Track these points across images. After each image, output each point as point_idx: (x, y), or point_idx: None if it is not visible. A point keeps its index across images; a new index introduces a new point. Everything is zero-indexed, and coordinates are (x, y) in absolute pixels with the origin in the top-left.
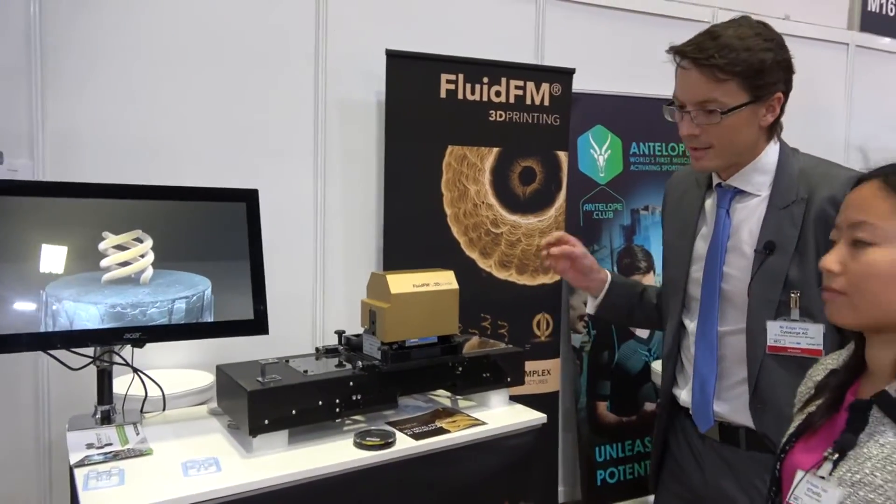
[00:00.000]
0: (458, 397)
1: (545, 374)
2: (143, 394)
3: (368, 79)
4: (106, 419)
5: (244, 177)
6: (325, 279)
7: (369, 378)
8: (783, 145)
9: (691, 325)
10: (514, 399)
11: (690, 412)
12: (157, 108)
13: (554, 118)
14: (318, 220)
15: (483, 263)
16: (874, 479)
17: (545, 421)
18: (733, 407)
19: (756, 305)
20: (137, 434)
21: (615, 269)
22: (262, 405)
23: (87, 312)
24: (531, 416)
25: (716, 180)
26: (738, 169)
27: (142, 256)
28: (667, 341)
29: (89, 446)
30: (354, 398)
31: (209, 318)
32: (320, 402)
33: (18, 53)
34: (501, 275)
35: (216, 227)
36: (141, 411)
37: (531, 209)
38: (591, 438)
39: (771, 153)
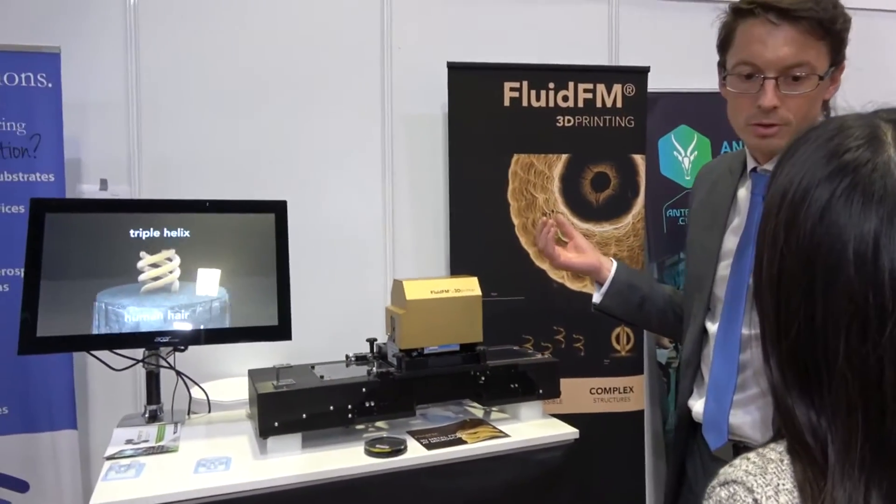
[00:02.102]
0: (491, 409)
1: (627, 392)
2: (188, 396)
3: (433, 92)
4: (153, 418)
5: (316, 191)
6: None
7: (383, 385)
8: None
9: (714, 328)
10: (593, 416)
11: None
12: (238, 131)
13: (628, 120)
14: (387, 234)
15: (555, 274)
16: None
17: (577, 436)
18: (752, 420)
19: None
20: (175, 433)
21: None
22: (273, 408)
23: (150, 315)
24: (561, 431)
25: (751, 164)
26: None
27: (170, 272)
28: (686, 348)
29: (128, 441)
30: (367, 405)
31: (228, 324)
32: (332, 407)
33: (117, 89)
34: (575, 286)
35: (255, 237)
36: (188, 413)
37: (605, 216)
38: None
39: None
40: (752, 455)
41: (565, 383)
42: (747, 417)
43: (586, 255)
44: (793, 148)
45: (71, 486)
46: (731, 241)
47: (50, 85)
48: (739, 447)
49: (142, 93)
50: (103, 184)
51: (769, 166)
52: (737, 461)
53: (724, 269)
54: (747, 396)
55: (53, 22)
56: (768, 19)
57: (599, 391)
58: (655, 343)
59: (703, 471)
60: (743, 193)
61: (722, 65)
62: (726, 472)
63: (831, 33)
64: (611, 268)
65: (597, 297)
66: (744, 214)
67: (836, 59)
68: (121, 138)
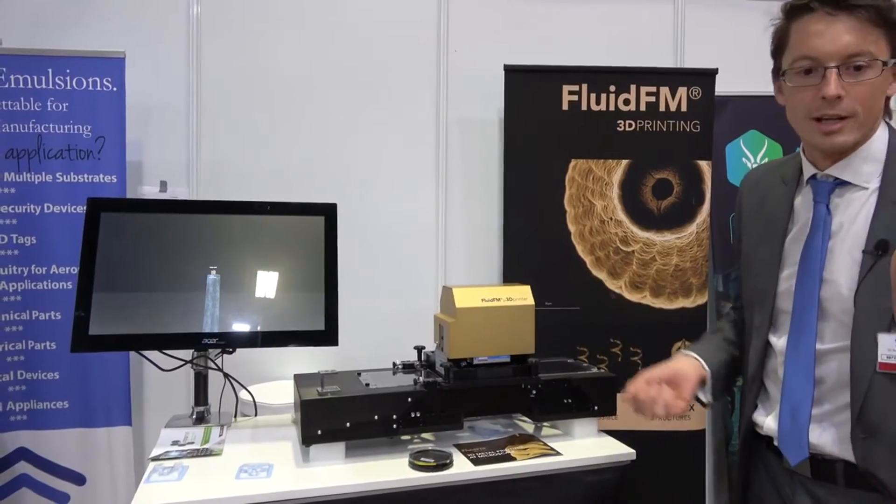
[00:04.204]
0: (543, 424)
1: (688, 410)
2: (236, 398)
3: (489, 96)
4: (200, 419)
5: (369, 196)
6: None
7: (429, 395)
8: (892, 129)
9: (779, 342)
10: (650, 434)
11: (776, 442)
12: (294, 136)
13: (693, 125)
14: (439, 241)
15: (612, 284)
16: None
17: (633, 458)
18: (831, 437)
19: (864, 316)
20: (220, 436)
21: None
22: (316, 415)
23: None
24: (617, 451)
25: (810, 171)
26: (844, 155)
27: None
28: (751, 363)
29: (174, 443)
30: (413, 415)
31: (274, 328)
32: (376, 417)
33: (179, 93)
34: (634, 297)
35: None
36: (235, 415)
37: (667, 225)
38: None
39: (881, 137)
40: None
41: (620, 398)
42: (826, 433)
43: (681, 385)
44: None
45: (125, 481)
46: (791, 253)
47: (115, 89)
48: (818, 460)
49: (202, 97)
50: (163, 185)
51: (831, 171)
52: None
53: (785, 280)
54: (824, 412)
55: (119, 28)
56: (826, 12)
57: None
58: None
59: (772, 484)
60: (800, 202)
61: (777, 70)
62: None
63: (889, 23)
64: (702, 366)
65: (706, 398)
66: (803, 223)
67: None
68: (181, 141)
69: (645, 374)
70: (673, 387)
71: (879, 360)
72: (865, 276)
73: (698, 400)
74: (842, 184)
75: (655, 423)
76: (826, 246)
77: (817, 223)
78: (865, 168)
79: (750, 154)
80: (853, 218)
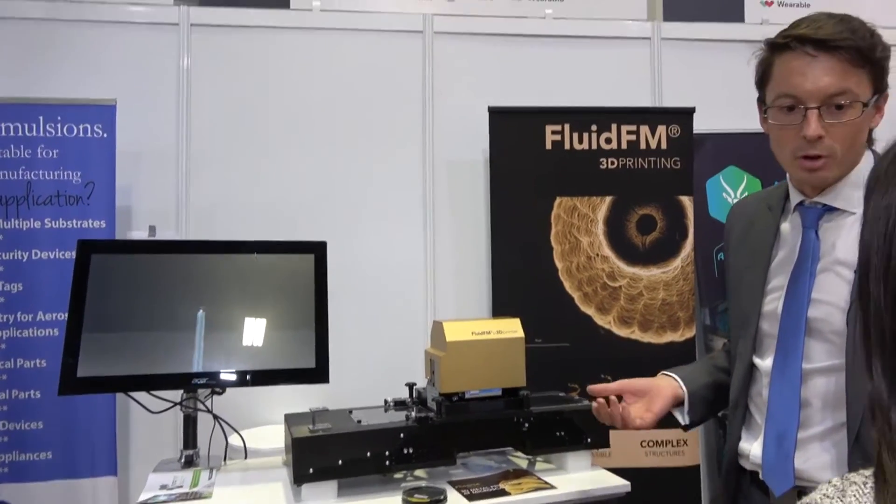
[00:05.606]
0: (536, 458)
1: (681, 445)
2: (225, 441)
3: (474, 136)
4: (189, 463)
5: (358, 236)
6: None
7: (421, 430)
8: (877, 154)
9: (764, 363)
10: (645, 471)
11: (760, 475)
12: (283, 178)
13: (674, 161)
14: (428, 280)
15: (601, 320)
16: None
17: (629, 489)
18: (820, 463)
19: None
20: (210, 479)
21: None
22: (308, 453)
23: (187, 356)
24: (612, 483)
25: (797, 199)
26: (832, 182)
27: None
28: (734, 386)
29: (163, 487)
30: (406, 451)
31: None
32: (368, 454)
33: (169, 138)
34: (623, 332)
35: (294, 278)
36: (224, 458)
37: (653, 260)
38: None
39: (866, 165)
40: (835, 479)
41: (615, 435)
42: (814, 460)
43: (653, 400)
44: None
45: None
46: (777, 277)
47: (105, 135)
48: (803, 491)
49: (192, 142)
50: (152, 230)
51: (819, 198)
52: (820, 486)
53: (770, 303)
54: (811, 435)
55: (110, 75)
56: (805, 52)
57: (651, 444)
58: None
59: None
60: (787, 227)
61: (761, 100)
62: (804, 500)
63: (871, 61)
64: (680, 386)
65: (683, 420)
66: (791, 248)
67: (879, 86)
68: (170, 186)
69: (621, 383)
70: (645, 401)
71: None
72: None
73: (676, 420)
74: (830, 209)
75: (650, 460)
76: (815, 269)
77: (806, 248)
78: (854, 194)
79: (730, 189)
80: (843, 241)
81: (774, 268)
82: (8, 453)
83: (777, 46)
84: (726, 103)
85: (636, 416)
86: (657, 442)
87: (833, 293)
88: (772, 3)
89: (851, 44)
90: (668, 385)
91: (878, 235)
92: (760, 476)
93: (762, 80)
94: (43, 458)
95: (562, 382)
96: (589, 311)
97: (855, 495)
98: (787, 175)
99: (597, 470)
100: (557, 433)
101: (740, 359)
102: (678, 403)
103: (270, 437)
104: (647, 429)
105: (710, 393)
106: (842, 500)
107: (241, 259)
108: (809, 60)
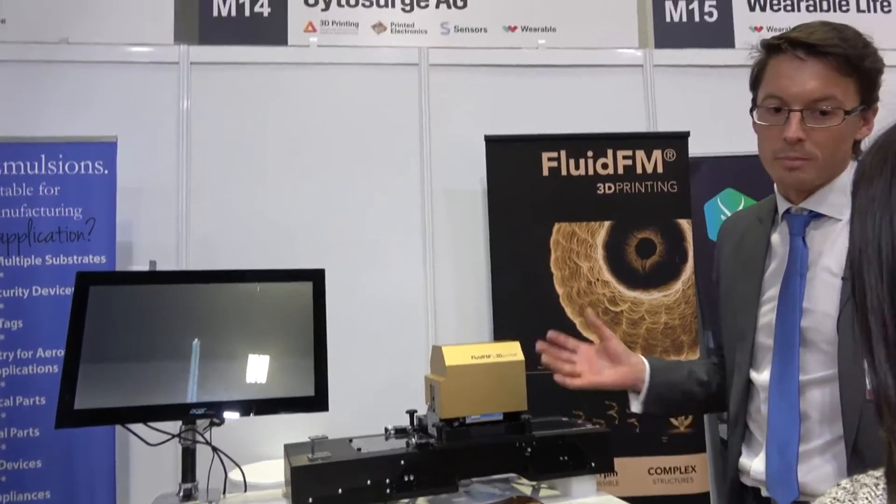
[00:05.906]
0: (542, 485)
1: (689, 472)
2: (224, 473)
3: (472, 164)
4: (188, 496)
5: (358, 265)
6: None
7: (422, 457)
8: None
9: (761, 377)
10: (654, 499)
11: (763, 491)
12: (282, 210)
13: (671, 185)
14: (428, 308)
15: None
16: None
17: None
18: (822, 475)
19: (848, 343)
20: None
21: None
22: (307, 482)
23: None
24: None
25: (784, 206)
26: (816, 189)
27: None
28: (732, 402)
29: None
30: (407, 479)
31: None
32: (369, 482)
33: (168, 175)
34: None
35: (293, 306)
36: (223, 492)
37: (654, 284)
38: None
39: (850, 174)
40: (844, 482)
41: (621, 463)
42: (816, 472)
43: (616, 367)
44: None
45: None
46: (770, 288)
47: (106, 172)
48: None
49: (192, 177)
50: (152, 265)
51: (804, 204)
52: (829, 490)
53: (765, 314)
54: (812, 448)
55: (112, 113)
56: (796, 55)
57: (659, 471)
58: (717, 418)
59: None
60: (777, 238)
61: (754, 100)
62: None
63: (859, 70)
64: (644, 371)
65: (636, 407)
66: (781, 258)
67: (867, 97)
68: (170, 221)
69: (595, 346)
70: (605, 364)
71: (868, 387)
72: (847, 303)
73: (628, 405)
74: (816, 216)
75: (658, 487)
76: (804, 277)
77: (794, 256)
78: (837, 200)
79: (728, 211)
80: (829, 248)
81: (767, 279)
82: (6, 494)
83: (771, 47)
84: (720, 127)
85: (585, 371)
86: (665, 469)
87: (822, 301)
88: (761, 28)
89: (840, 51)
90: (639, 364)
91: (868, 227)
92: (763, 492)
93: (755, 81)
94: (41, 498)
95: (567, 409)
96: (592, 336)
97: (867, 497)
98: (775, 186)
99: (602, 495)
100: (561, 458)
101: (738, 372)
102: (636, 390)
103: (270, 472)
104: (577, 389)
105: (671, 393)
106: (853, 503)
107: (239, 288)
108: (799, 64)
